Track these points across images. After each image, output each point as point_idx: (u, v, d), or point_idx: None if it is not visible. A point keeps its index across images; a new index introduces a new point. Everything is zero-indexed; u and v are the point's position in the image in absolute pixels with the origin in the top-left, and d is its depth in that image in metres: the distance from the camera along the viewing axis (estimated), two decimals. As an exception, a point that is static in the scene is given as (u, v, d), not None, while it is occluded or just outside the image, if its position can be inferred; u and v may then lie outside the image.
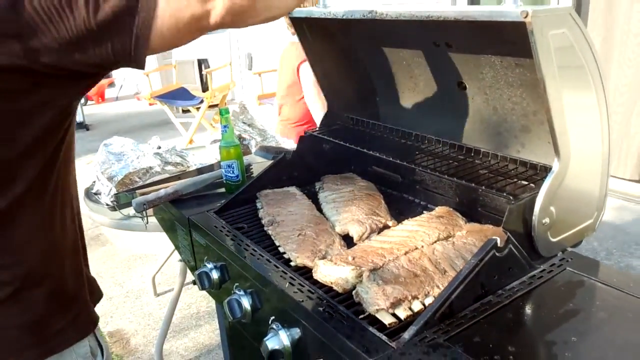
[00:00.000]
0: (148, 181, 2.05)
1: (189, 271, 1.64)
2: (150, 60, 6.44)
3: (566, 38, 0.85)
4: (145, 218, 1.47)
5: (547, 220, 0.95)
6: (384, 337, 0.82)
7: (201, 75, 6.93)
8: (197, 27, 0.77)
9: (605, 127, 0.96)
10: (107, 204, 1.99)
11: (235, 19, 0.78)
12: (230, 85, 4.74)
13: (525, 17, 0.77)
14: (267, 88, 4.05)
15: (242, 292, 1.11)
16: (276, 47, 6.10)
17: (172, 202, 1.42)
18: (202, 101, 4.22)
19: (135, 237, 3.11)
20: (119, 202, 1.62)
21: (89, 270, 1.01)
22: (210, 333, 2.49)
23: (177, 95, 4.76)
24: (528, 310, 0.89)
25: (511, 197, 0.97)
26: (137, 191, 1.52)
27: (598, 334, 0.83)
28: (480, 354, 0.78)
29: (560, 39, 0.84)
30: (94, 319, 0.97)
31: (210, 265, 1.22)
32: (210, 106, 4.43)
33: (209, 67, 6.80)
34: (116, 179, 2.02)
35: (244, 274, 1.10)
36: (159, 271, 2.78)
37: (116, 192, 1.72)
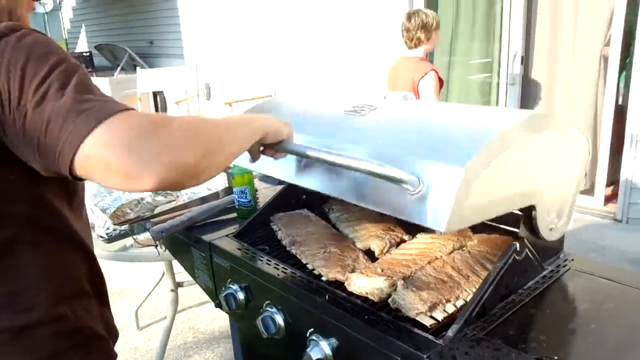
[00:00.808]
0: (140, 213, 2.08)
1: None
2: (116, 92, 6.37)
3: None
4: (162, 246, 1.50)
5: (553, 226, 1.09)
6: (430, 337, 0.91)
7: (156, 106, 6.91)
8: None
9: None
10: (101, 237, 2.00)
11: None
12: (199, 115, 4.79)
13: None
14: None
15: (274, 309, 1.18)
16: (236, 77, 6.22)
17: (187, 229, 1.46)
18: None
19: (112, 272, 3.07)
20: (133, 232, 1.64)
21: (108, 310, 1.00)
22: (200, 362, 2.49)
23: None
24: (547, 305, 1.01)
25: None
26: (151, 220, 1.56)
27: (611, 320, 0.95)
28: (517, 343, 0.88)
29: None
30: (112, 357, 0.96)
31: (235, 287, 1.28)
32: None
33: (164, 99, 6.79)
34: (109, 212, 2.03)
35: (277, 291, 1.17)
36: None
37: (130, 222, 1.73)
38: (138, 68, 4.80)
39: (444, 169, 0.85)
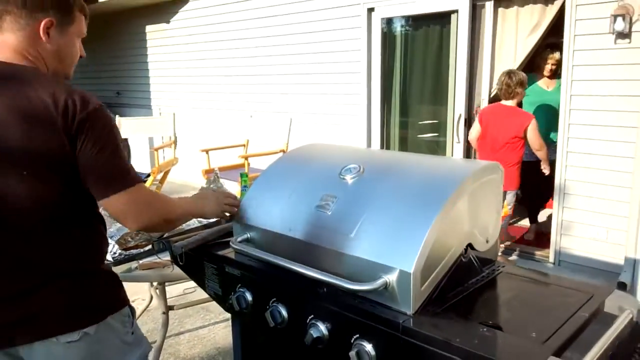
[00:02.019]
0: (139, 241, 2.37)
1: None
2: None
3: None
4: (182, 261, 1.79)
5: (485, 242, 1.49)
6: (402, 309, 1.27)
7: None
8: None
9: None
10: (108, 260, 2.27)
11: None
12: (174, 161, 5.10)
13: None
14: (214, 163, 4.48)
15: (278, 304, 1.50)
16: (208, 126, 6.56)
17: (200, 246, 1.78)
18: (148, 175, 4.53)
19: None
20: (155, 249, 1.93)
21: None
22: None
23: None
24: (484, 293, 1.39)
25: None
26: (170, 239, 1.85)
27: (529, 302, 1.34)
28: (465, 315, 1.25)
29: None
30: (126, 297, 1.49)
31: (244, 290, 1.60)
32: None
33: (128, 145, 7.04)
34: (115, 238, 2.32)
35: (282, 289, 1.50)
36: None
37: (155, 240, 2.01)
38: (117, 116, 5.11)
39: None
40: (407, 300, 1.24)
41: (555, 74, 4.44)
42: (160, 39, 7.62)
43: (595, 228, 3.80)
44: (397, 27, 4.94)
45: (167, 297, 2.53)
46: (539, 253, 4.30)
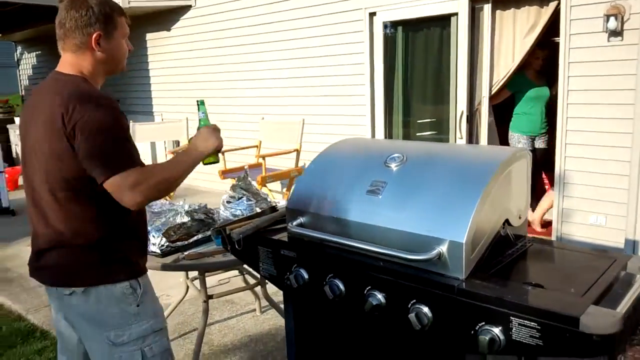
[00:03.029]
0: (180, 234, 2.55)
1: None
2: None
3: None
4: (239, 246, 1.95)
5: (520, 215, 1.69)
6: (453, 275, 1.45)
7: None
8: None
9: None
10: (155, 252, 2.43)
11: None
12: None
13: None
14: (230, 164, 4.65)
15: (335, 279, 1.68)
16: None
17: (254, 233, 1.95)
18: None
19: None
20: (213, 237, 2.08)
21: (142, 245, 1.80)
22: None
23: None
24: (520, 260, 1.58)
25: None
26: (227, 227, 2.02)
27: (562, 267, 1.54)
28: (509, 277, 1.44)
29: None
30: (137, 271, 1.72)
31: (301, 270, 1.78)
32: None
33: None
34: (161, 232, 2.48)
35: (339, 265, 1.68)
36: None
37: (214, 228, 2.13)
38: (131, 121, 5.28)
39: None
40: (459, 267, 1.43)
41: (543, 69, 4.73)
42: (160, 47, 7.77)
43: (595, 215, 4.03)
44: (399, 31, 5.15)
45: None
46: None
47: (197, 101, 1.93)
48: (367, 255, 1.61)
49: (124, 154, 1.56)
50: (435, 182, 1.59)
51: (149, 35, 7.93)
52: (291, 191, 1.87)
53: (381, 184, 1.67)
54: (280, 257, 1.87)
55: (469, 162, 1.66)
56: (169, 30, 7.57)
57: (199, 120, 1.90)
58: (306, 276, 1.76)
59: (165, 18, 7.50)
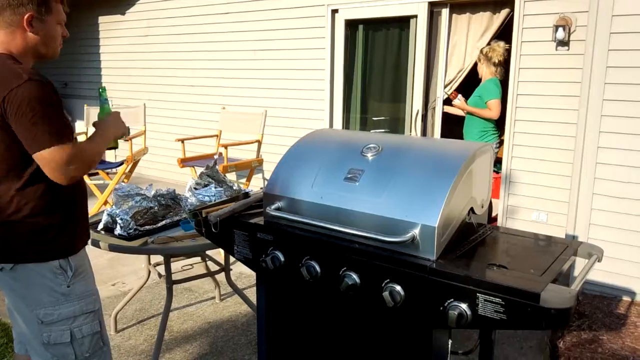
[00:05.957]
0: (147, 219, 2.56)
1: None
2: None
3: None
4: (216, 229, 1.99)
5: (480, 207, 1.83)
6: (426, 256, 1.57)
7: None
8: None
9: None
10: (122, 235, 2.43)
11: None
12: (144, 150, 5.18)
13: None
14: (189, 154, 4.63)
15: (311, 261, 1.76)
16: (162, 124, 6.62)
17: (230, 217, 2.00)
18: (121, 163, 4.59)
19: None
20: (189, 219, 2.11)
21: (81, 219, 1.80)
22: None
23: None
24: (482, 245, 1.72)
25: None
26: (203, 211, 2.06)
27: (521, 251, 1.69)
28: (473, 259, 1.58)
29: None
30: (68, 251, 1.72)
31: (277, 252, 1.85)
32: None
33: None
34: (128, 215, 2.48)
35: (315, 247, 1.76)
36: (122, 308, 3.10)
37: (190, 210, 2.15)
38: (85, 106, 5.13)
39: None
40: (431, 249, 1.55)
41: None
42: (114, 30, 7.57)
43: (537, 212, 4.30)
44: (360, 29, 5.28)
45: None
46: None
47: (99, 88, 2.04)
48: (343, 238, 1.70)
49: (59, 127, 1.58)
50: (410, 171, 1.70)
51: (101, 19, 7.71)
52: (270, 177, 1.94)
53: (358, 172, 1.77)
54: (256, 240, 1.93)
55: (441, 153, 1.79)
56: (123, 14, 7.38)
57: (103, 106, 1.97)
58: (282, 258, 1.84)
59: (120, 1, 7.31)
